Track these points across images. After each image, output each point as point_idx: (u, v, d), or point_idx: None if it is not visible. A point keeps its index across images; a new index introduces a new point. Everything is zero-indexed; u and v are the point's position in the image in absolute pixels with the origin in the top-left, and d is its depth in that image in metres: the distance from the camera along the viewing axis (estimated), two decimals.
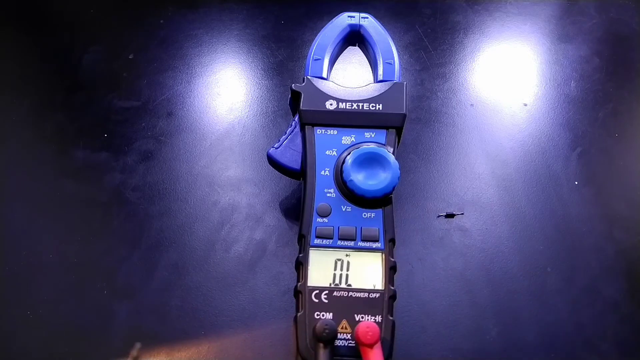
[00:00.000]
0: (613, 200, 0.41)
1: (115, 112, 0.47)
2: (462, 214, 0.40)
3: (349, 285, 0.31)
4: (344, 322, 0.30)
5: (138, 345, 0.33)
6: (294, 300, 0.31)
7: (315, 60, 0.38)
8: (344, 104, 0.35)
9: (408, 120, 0.35)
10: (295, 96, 0.36)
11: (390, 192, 0.32)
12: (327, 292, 0.30)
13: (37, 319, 0.35)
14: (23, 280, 0.37)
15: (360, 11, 0.41)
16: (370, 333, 0.28)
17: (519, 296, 0.37)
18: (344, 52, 0.42)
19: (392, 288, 0.31)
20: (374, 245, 0.31)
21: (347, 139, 0.34)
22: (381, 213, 0.32)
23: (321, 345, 0.27)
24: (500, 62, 0.52)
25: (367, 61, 0.42)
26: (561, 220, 0.40)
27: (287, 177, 0.36)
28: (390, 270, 0.31)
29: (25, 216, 0.41)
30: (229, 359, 0.34)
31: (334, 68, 0.40)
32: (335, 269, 0.31)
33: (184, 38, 0.52)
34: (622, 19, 0.55)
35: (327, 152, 0.34)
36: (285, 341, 0.34)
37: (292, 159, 0.35)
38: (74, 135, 0.45)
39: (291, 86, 0.36)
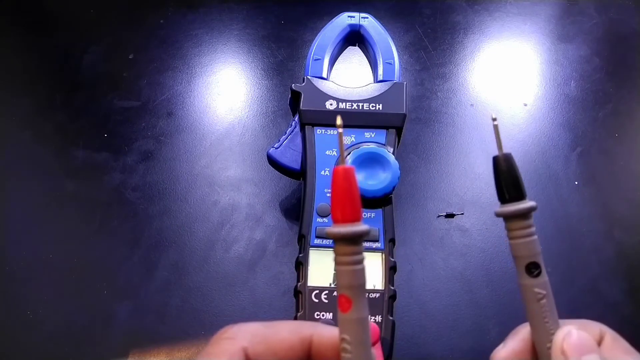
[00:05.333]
0: (613, 200, 0.41)
1: (115, 112, 0.47)
2: (462, 214, 0.40)
3: None
4: None
5: None
6: (294, 300, 0.31)
7: (315, 60, 0.38)
8: (344, 104, 0.35)
9: (408, 120, 0.35)
10: (295, 96, 0.36)
11: (390, 192, 0.32)
12: (327, 292, 0.30)
13: (37, 319, 0.35)
14: (23, 280, 0.37)
15: (360, 11, 0.41)
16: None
17: (519, 296, 0.36)
18: (344, 52, 0.42)
19: (392, 288, 0.31)
20: (374, 245, 0.31)
21: (347, 139, 0.34)
22: (381, 213, 0.32)
23: None
24: (500, 62, 0.52)
25: (367, 61, 0.42)
26: (561, 220, 0.40)
27: (287, 177, 0.36)
28: (390, 270, 0.31)
29: (25, 216, 0.41)
30: None
31: (334, 68, 0.40)
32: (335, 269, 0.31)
33: (184, 38, 0.52)
34: (622, 19, 0.55)
35: (327, 152, 0.34)
36: None
37: (292, 159, 0.35)
38: (74, 135, 0.45)
39: (291, 86, 0.36)
